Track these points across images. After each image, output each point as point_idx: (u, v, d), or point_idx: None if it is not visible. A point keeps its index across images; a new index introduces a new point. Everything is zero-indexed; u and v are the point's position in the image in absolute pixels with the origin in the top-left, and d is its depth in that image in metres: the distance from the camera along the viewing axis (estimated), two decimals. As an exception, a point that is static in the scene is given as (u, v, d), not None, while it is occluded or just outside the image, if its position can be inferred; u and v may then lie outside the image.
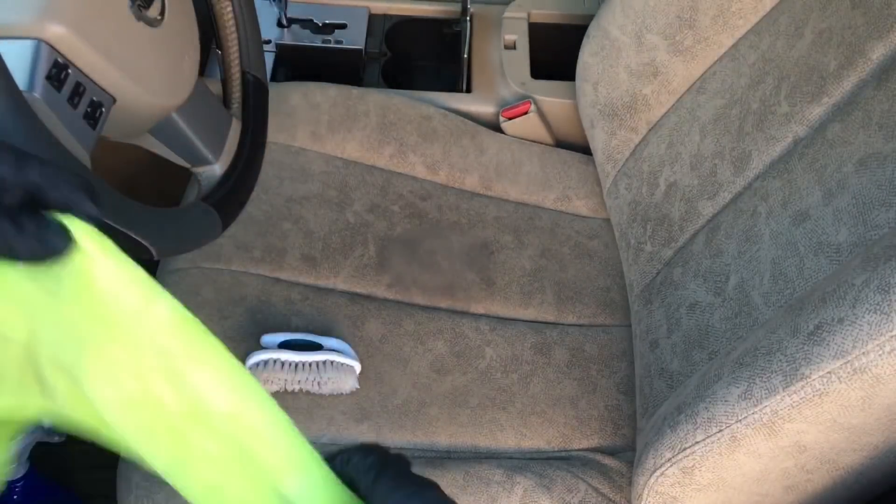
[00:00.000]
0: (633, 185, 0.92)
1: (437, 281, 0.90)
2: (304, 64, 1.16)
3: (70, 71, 0.53)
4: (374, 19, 1.19)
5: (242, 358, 0.80)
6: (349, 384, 0.78)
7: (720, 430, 0.58)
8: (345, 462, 0.34)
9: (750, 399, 0.56)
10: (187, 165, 0.72)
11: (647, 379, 0.78)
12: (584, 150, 1.06)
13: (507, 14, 1.14)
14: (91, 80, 0.55)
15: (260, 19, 0.78)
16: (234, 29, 0.74)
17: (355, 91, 1.03)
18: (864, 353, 0.50)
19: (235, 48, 0.75)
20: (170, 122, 0.67)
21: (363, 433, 0.77)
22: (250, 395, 0.33)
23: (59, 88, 0.52)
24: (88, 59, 0.54)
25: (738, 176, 0.76)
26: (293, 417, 0.34)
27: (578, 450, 0.80)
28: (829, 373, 0.52)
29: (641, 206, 0.90)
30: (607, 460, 0.78)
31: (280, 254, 0.89)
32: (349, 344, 0.82)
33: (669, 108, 0.90)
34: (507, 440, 0.80)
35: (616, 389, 0.84)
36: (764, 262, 0.67)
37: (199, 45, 0.70)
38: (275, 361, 0.76)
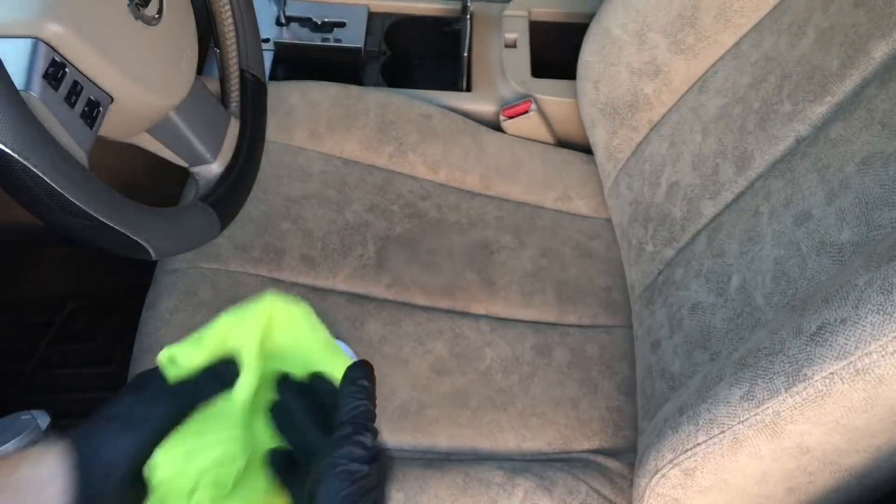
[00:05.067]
0: (635, 184, 0.92)
1: (436, 281, 0.90)
2: (302, 63, 1.15)
3: (67, 70, 0.52)
4: (373, 18, 1.18)
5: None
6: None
7: (722, 432, 0.57)
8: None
9: (752, 400, 0.55)
10: (185, 165, 0.71)
11: (648, 380, 0.78)
12: (585, 149, 1.06)
13: (507, 12, 1.14)
14: (89, 79, 0.54)
15: (258, 17, 0.77)
16: (232, 27, 0.73)
17: (355, 90, 1.03)
18: (866, 353, 0.50)
19: (234, 46, 0.74)
20: (168, 121, 0.67)
21: (363, 434, 0.77)
22: None
23: (56, 87, 0.51)
24: (86, 58, 0.54)
25: (740, 175, 0.76)
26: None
27: (579, 451, 0.80)
28: (831, 374, 0.51)
29: (643, 205, 0.89)
30: (608, 462, 0.78)
31: (279, 254, 0.88)
32: (348, 345, 0.81)
33: (671, 107, 0.90)
34: (508, 442, 0.79)
35: (617, 391, 0.84)
36: (766, 263, 0.67)
37: (196, 44, 0.69)
38: (274, 362, 0.76)
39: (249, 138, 0.75)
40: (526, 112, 1.05)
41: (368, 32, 1.16)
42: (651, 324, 0.81)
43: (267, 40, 1.13)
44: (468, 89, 1.10)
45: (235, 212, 0.71)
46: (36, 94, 0.50)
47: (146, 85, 0.60)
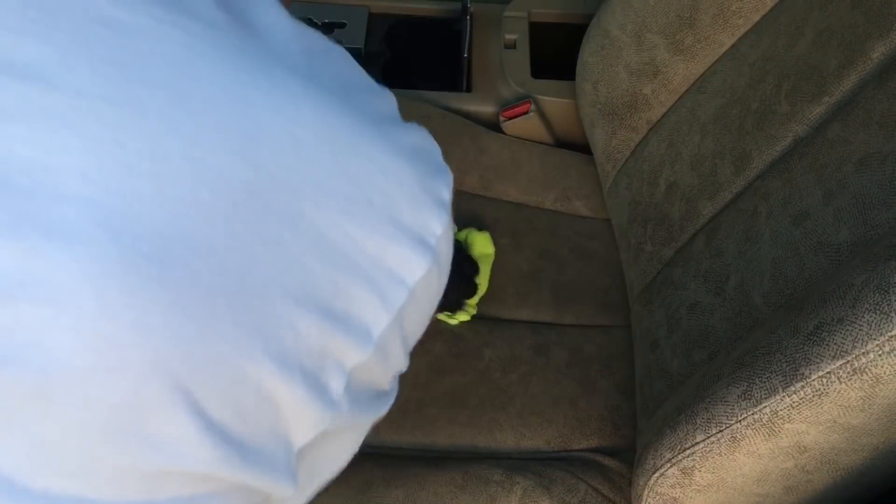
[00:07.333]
0: (634, 184, 0.92)
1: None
2: (303, 63, 1.15)
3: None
4: (373, 18, 1.19)
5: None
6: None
7: (720, 431, 0.57)
8: None
9: (749, 399, 0.56)
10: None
11: (647, 379, 0.78)
12: (585, 149, 1.06)
13: (507, 13, 1.14)
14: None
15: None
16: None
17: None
18: (863, 353, 0.50)
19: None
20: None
21: (362, 433, 0.77)
22: None
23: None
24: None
25: (739, 175, 0.76)
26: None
27: (578, 450, 0.80)
28: (828, 373, 0.51)
29: (641, 205, 0.89)
30: (607, 461, 0.78)
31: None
32: None
33: (670, 108, 0.90)
34: (507, 440, 0.80)
35: (616, 390, 0.84)
36: (764, 262, 0.67)
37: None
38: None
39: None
40: (525, 113, 1.05)
41: (369, 33, 1.16)
42: (649, 323, 0.81)
43: (267, 41, 1.13)
44: (468, 90, 1.11)
45: None
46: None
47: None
